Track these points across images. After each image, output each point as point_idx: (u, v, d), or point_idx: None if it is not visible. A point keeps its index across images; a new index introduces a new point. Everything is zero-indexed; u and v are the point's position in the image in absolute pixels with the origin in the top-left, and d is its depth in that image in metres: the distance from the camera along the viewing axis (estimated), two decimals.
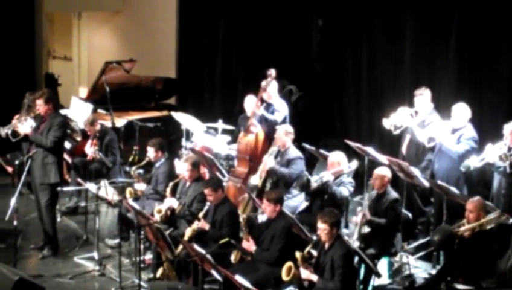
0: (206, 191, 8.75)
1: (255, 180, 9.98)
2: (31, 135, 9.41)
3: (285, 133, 9.93)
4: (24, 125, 9.42)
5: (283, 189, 9.61)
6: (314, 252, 7.88)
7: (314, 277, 7.57)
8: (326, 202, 9.18)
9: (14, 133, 9.61)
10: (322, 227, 7.62)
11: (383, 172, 8.93)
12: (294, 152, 9.91)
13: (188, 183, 9.39)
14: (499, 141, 9.19)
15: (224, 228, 8.60)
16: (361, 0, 12.70)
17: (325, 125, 13.17)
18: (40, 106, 9.43)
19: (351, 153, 10.16)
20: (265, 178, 9.88)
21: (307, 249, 7.70)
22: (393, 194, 8.84)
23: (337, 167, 9.30)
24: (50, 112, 9.45)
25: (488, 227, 8.02)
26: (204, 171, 10.09)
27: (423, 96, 9.95)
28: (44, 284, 8.17)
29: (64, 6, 15.29)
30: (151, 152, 9.95)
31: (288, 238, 8.18)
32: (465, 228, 7.98)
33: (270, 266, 8.04)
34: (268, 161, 9.79)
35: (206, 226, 8.67)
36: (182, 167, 9.55)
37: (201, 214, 8.74)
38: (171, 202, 9.28)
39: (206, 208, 8.76)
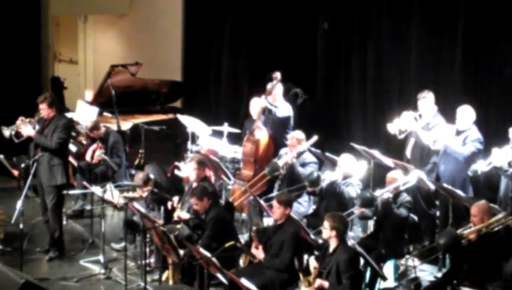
0: (192, 200, 8.82)
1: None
2: (35, 137, 9.39)
3: (297, 141, 9.96)
4: (27, 127, 9.36)
5: (294, 195, 9.62)
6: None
7: (326, 284, 7.60)
8: (333, 203, 9.23)
9: (18, 134, 9.50)
10: (328, 233, 7.67)
11: (396, 175, 9.04)
12: (309, 157, 10.00)
13: (194, 185, 9.38)
14: (504, 145, 9.17)
15: (205, 232, 8.65)
16: (367, 3, 12.68)
17: (331, 128, 13.15)
18: (44, 109, 9.40)
19: (356, 156, 10.15)
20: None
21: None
22: (406, 196, 8.95)
23: (348, 170, 9.38)
24: (53, 114, 9.44)
25: (495, 229, 7.98)
26: (210, 174, 10.09)
27: (426, 99, 9.96)
28: (50, 287, 8.20)
29: (70, 10, 15.28)
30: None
31: (297, 244, 8.18)
32: (470, 230, 7.95)
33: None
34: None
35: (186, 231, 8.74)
36: (189, 168, 9.54)
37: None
38: (182, 215, 9.23)
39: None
